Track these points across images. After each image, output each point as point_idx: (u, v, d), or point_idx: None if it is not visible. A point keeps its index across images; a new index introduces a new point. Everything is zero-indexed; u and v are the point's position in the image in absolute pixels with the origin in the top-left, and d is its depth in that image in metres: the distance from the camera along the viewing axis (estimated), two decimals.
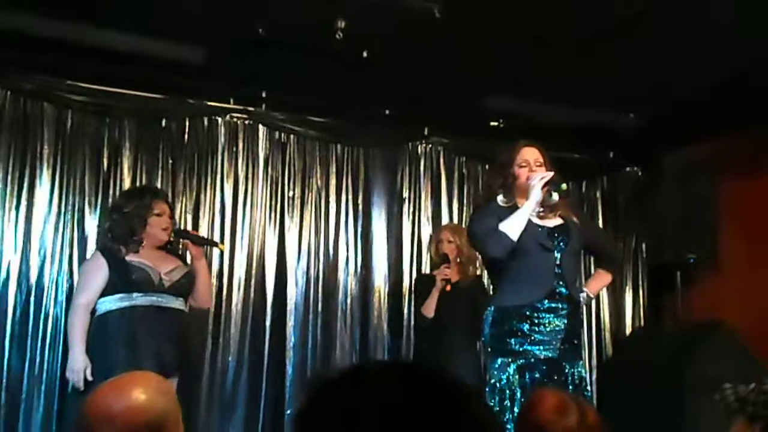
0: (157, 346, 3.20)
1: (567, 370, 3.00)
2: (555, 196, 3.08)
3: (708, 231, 4.31)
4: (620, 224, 5.15)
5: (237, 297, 4.23)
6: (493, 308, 3.04)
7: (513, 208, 3.03)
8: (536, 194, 2.97)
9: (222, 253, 4.15)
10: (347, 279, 4.51)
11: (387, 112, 4.50)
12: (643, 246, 5.07)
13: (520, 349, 2.95)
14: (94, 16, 3.44)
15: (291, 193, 4.46)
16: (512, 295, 3.00)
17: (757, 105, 4.08)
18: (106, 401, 1.51)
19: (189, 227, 4.12)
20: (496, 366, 2.98)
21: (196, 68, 3.84)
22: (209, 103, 4.30)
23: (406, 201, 4.75)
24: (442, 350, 3.98)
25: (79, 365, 3.15)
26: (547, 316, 2.98)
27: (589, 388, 3.21)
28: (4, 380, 3.67)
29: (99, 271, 3.27)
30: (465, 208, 4.89)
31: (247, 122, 4.41)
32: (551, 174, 3.02)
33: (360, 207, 4.63)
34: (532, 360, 2.94)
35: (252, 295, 4.27)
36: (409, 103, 4.40)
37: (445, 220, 4.78)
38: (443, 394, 0.79)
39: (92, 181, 4.00)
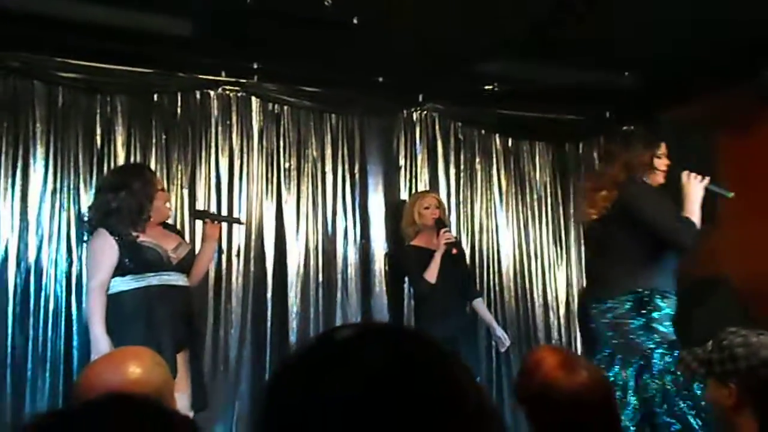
0: (172, 323, 3.21)
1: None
2: None
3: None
4: None
5: (237, 270, 4.24)
6: (643, 290, 3.13)
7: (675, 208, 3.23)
8: (700, 194, 3.24)
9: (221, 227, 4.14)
10: (346, 248, 4.51)
11: (380, 79, 4.45)
12: None
13: (667, 331, 3.12)
14: None
15: (287, 165, 4.44)
16: (663, 281, 3.16)
17: (751, 61, 4.04)
18: (102, 377, 1.51)
19: (186, 202, 4.11)
20: (651, 346, 3.10)
21: (186, 41, 3.78)
22: (201, 77, 4.26)
23: (403, 169, 4.73)
24: (444, 314, 3.99)
25: (103, 347, 3.10)
26: (675, 298, 3.20)
27: None
28: (9, 360, 3.68)
29: (110, 251, 3.22)
30: (462, 174, 4.88)
31: (239, 95, 4.37)
32: (707, 179, 3.27)
33: (357, 176, 4.62)
34: (673, 342, 3.11)
35: (252, 268, 4.27)
36: (403, 69, 4.35)
37: (442, 187, 4.76)
38: (421, 357, 0.75)
39: (86, 158, 3.98)
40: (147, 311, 3.18)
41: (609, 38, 3.88)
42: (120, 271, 3.22)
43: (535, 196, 5.05)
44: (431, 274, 4.02)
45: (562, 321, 4.95)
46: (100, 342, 3.13)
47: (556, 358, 1.83)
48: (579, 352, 4.71)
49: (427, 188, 4.69)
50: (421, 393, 0.72)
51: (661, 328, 3.11)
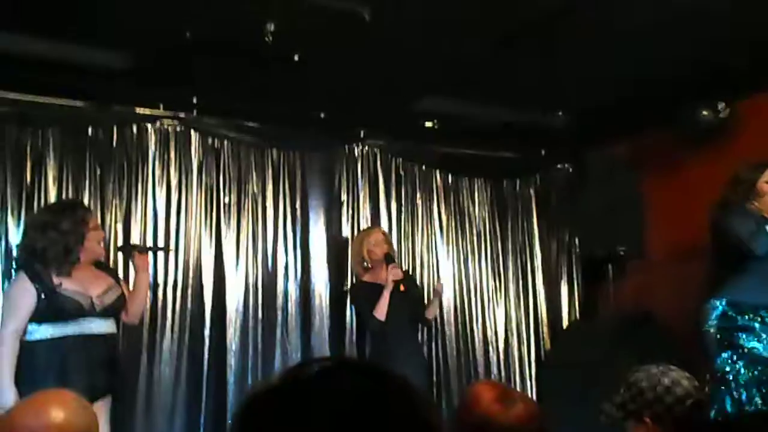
0: (87, 374, 3.07)
1: None
2: None
3: (635, 225, 4.44)
4: (554, 220, 5.27)
5: (173, 307, 4.14)
6: (725, 301, 3.25)
7: (758, 217, 3.31)
8: None
9: (156, 262, 4.05)
10: (287, 285, 4.47)
11: (322, 115, 4.48)
12: (576, 240, 5.20)
13: (748, 345, 3.18)
14: (13, 21, 3.30)
15: (227, 200, 4.39)
16: (748, 292, 3.23)
17: (679, 103, 4.24)
18: (25, 421, 1.45)
19: (120, 238, 4.01)
20: (724, 358, 3.20)
21: (123, 74, 3.73)
22: (138, 110, 4.20)
23: (344, 204, 4.74)
24: (392, 352, 3.98)
25: (8, 398, 2.92)
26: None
27: None
28: None
29: (27, 297, 3.07)
30: (403, 209, 4.92)
31: (178, 128, 4.32)
32: None
33: (298, 212, 4.60)
34: (758, 357, 3.18)
35: (189, 304, 4.18)
36: (344, 105, 4.40)
37: (383, 222, 4.79)
38: (391, 393, 0.76)
39: (15, 193, 3.84)
40: (60, 362, 3.04)
41: (543, 79, 4.02)
42: (37, 317, 3.07)
43: (475, 232, 5.13)
44: (380, 312, 4.01)
45: (501, 356, 5.00)
46: (5, 393, 2.95)
47: (493, 392, 1.85)
48: (517, 387, 4.76)
49: (369, 223, 4.71)
50: (390, 428, 0.72)
51: (731, 338, 3.23)
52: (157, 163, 4.24)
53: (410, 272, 4.82)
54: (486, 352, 4.96)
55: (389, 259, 4.11)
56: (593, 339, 4.44)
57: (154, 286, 4.05)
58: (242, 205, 4.43)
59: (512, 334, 5.05)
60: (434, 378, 4.70)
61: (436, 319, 4.83)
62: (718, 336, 3.25)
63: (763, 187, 3.39)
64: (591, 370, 3.98)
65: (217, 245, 4.33)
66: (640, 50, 3.69)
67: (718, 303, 3.28)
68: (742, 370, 3.17)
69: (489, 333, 5.00)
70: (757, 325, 3.22)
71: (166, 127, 4.29)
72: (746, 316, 3.23)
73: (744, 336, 3.21)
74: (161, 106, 4.23)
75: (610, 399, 2.06)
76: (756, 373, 3.16)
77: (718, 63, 3.83)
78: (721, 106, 4.19)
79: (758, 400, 3.11)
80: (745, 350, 3.19)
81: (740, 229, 3.27)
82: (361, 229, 4.68)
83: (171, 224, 4.22)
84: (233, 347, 4.24)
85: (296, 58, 3.60)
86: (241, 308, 4.31)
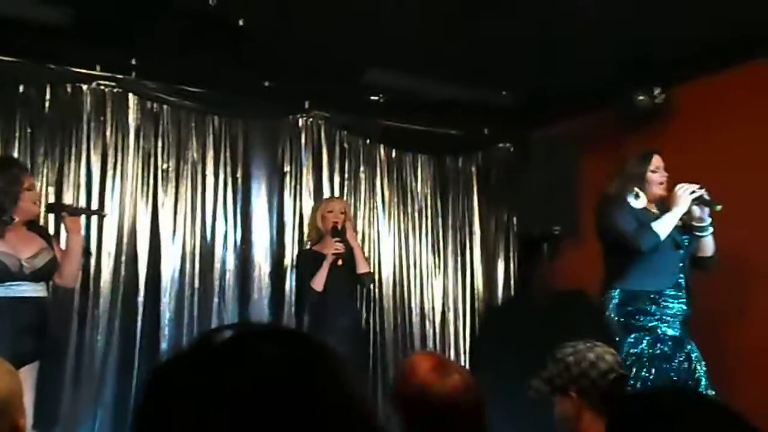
0: (13, 338, 2.97)
1: (687, 346, 3.38)
2: (706, 214, 3.39)
3: (571, 205, 4.55)
4: (493, 198, 5.36)
5: (106, 273, 4.05)
6: (618, 291, 3.35)
7: (644, 210, 3.39)
8: (684, 205, 3.34)
9: (89, 226, 3.93)
10: (225, 254, 4.41)
11: (266, 84, 4.41)
12: (514, 219, 5.30)
13: (649, 326, 3.31)
14: None
15: (165, 166, 4.29)
16: (640, 281, 3.34)
17: (618, 86, 4.35)
18: None
19: (51, 200, 3.87)
20: (631, 341, 3.31)
21: (60, 31, 3.58)
22: (73, 69, 4.04)
23: (287, 175, 4.70)
24: (329, 323, 4.00)
25: None
26: (672, 301, 3.36)
27: (703, 363, 3.40)
28: None
29: None
30: (346, 183, 4.91)
31: (115, 90, 4.18)
32: (702, 191, 3.34)
33: (239, 181, 4.53)
34: (660, 335, 3.31)
35: (123, 271, 4.10)
36: (289, 75, 4.33)
37: (326, 194, 4.77)
38: (309, 358, 0.73)
39: None
40: None
41: (489, 57, 4.06)
42: None
43: (416, 207, 5.16)
44: (317, 282, 4.05)
45: (438, 329, 5.08)
46: None
47: (430, 363, 1.88)
48: (452, 359, 4.86)
49: (312, 196, 4.70)
50: (306, 395, 0.69)
51: (632, 322, 3.36)
52: (92, 125, 4.10)
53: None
54: (423, 325, 5.02)
55: (335, 231, 4.12)
56: (526, 315, 4.55)
57: (86, 251, 3.94)
58: (181, 171, 4.34)
59: (449, 309, 5.14)
60: (371, 350, 4.75)
61: (374, 293, 4.85)
62: (621, 320, 3.37)
63: (650, 176, 3.49)
64: (523, 346, 4.09)
65: (154, 211, 4.24)
66: (583, 34, 3.76)
67: (613, 293, 3.40)
68: (646, 350, 3.31)
69: (426, 307, 5.06)
70: (653, 307, 3.36)
71: (102, 88, 4.14)
72: (642, 302, 3.35)
73: (644, 318, 3.34)
74: (98, 67, 4.08)
75: (538, 374, 2.12)
76: (659, 351, 3.31)
77: (658, 49, 3.94)
78: (657, 91, 4.31)
79: (660, 376, 3.28)
80: (648, 330, 3.33)
81: (624, 226, 3.36)
82: (303, 200, 4.67)
83: (106, 188, 4.11)
84: (167, 315, 4.18)
85: (241, 23, 3.53)
86: (176, 276, 4.24)
